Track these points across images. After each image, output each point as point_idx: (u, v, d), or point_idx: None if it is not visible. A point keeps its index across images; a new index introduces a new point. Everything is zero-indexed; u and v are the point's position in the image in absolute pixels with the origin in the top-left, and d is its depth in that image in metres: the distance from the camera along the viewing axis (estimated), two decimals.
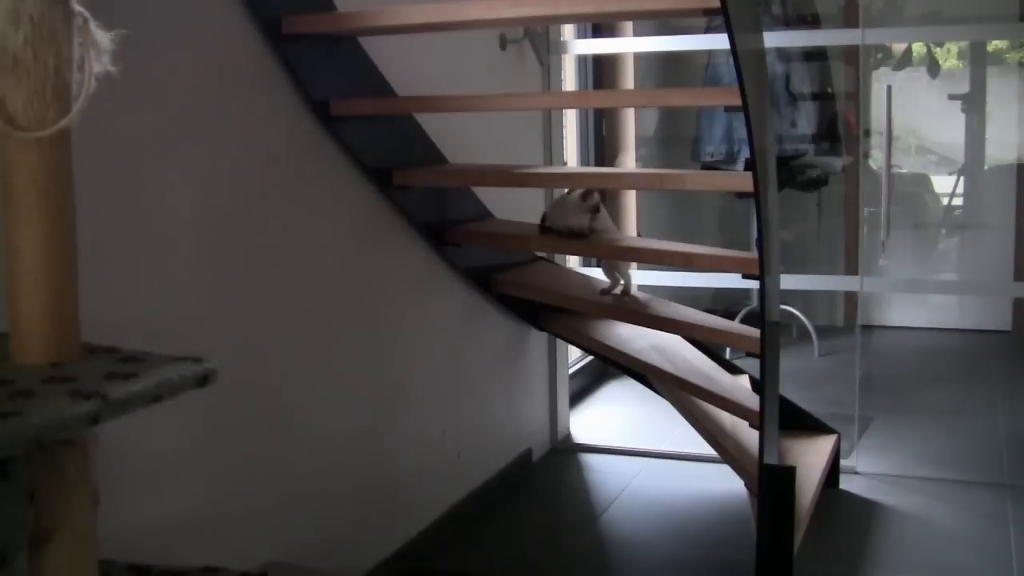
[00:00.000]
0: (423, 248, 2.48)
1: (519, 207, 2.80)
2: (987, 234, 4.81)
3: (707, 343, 2.71)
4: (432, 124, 2.43)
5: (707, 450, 2.66)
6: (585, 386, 3.85)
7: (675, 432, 3.26)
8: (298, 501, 2.03)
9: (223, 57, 1.81)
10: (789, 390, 2.89)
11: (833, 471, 2.89)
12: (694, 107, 4.25)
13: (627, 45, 3.81)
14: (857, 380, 3.22)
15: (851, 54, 4.42)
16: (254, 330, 1.90)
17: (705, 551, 2.54)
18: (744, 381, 2.77)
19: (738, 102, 1.94)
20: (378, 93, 2.24)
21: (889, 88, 4.14)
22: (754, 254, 2.14)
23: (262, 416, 1.93)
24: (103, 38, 1.00)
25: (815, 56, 4.28)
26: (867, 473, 3.01)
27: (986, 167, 4.87)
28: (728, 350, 3.37)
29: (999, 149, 4.85)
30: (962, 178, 4.88)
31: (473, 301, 2.74)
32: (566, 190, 2.46)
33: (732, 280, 2.43)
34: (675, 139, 4.64)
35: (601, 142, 3.97)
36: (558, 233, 2.40)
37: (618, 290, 2.57)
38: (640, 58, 4.09)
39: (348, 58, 2.16)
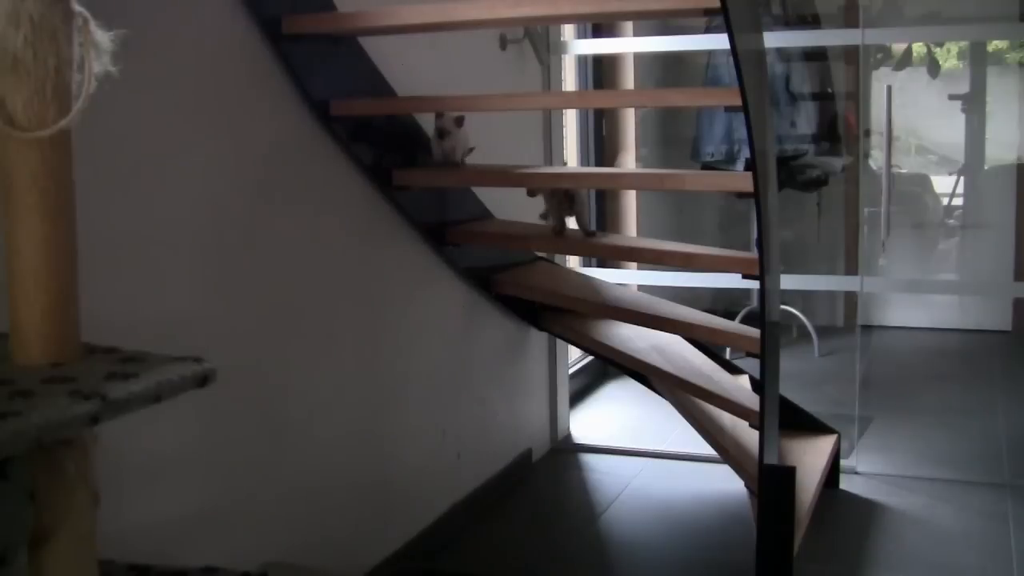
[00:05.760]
0: (423, 248, 2.48)
1: (519, 207, 2.80)
2: (987, 234, 4.81)
3: (707, 343, 2.70)
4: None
5: (707, 450, 2.66)
6: (585, 386, 3.85)
7: (675, 432, 3.26)
8: (298, 501, 2.03)
9: (223, 57, 1.81)
10: (789, 390, 2.89)
11: (833, 471, 2.89)
12: (694, 107, 4.25)
13: (627, 45, 3.81)
14: (857, 380, 3.22)
15: (851, 54, 4.42)
16: (254, 330, 1.90)
17: (705, 551, 2.54)
18: (744, 381, 2.77)
19: (738, 102, 1.94)
20: (378, 93, 2.24)
21: (889, 88, 4.14)
22: (754, 254, 2.14)
23: (262, 416, 1.93)
24: (103, 38, 1.00)
25: (815, 56, 4.28)
26: (867, 473, 3.01)
27: (986, 167, 4.86)
28: (728, 350, 3.37)
29: (999, 149, 4.85)
30: (962, 178, 4.87)
31: (473, 301, 2.74)
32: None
33: (732, 280, 2.43)
34: (675, 139, 4.64)
35: (601, 142, 3.97)
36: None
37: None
38: (640, 58, 4.09)
39: (348, 58, 2.16)
